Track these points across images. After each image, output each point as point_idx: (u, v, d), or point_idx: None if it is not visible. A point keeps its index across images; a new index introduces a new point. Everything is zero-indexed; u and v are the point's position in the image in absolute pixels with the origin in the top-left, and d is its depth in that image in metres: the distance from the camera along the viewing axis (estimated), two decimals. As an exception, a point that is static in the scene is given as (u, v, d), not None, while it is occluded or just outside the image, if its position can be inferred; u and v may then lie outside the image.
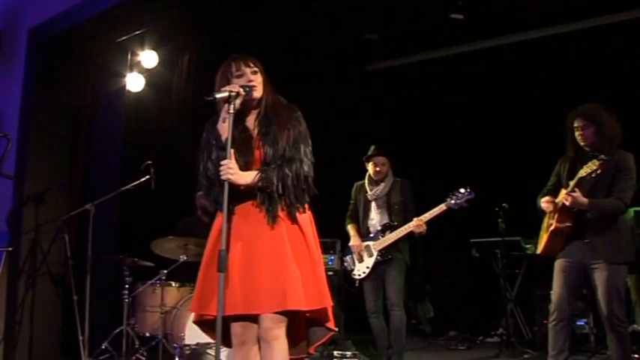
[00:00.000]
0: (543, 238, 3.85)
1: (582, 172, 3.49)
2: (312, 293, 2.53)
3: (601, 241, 3.56)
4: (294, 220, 2.61)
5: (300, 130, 2.67)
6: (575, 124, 3.69)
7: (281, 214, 2.60)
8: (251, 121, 2.73)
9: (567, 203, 3.55)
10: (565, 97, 6.26)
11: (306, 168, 2.62)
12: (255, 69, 2.69)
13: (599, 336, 5.48)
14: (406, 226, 4.56)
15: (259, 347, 2.64)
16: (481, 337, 6.50)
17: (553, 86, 6.61)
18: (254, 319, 2.59)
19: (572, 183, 3.57)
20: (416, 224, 4.51)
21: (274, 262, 2.53)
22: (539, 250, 3.90)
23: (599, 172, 3.42)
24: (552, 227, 3.70)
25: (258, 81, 2.68)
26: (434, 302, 7.53)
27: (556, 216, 3.68)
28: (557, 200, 3.72)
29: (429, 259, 7.51)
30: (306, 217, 2.67)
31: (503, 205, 5.76)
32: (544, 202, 3.78)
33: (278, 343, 2.54)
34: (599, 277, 3.56)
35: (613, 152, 3.59)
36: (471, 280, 7.21)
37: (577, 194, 3.52)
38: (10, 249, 5.01)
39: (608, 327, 3.53)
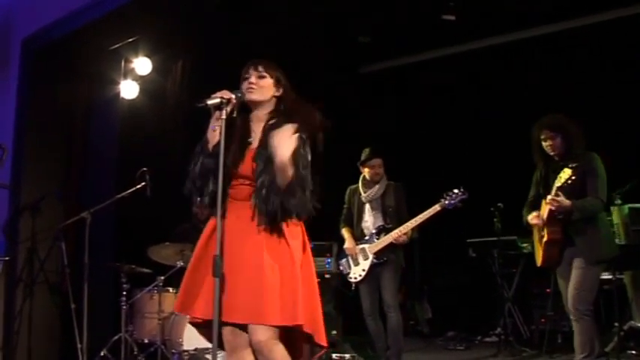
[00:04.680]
0: (539, 251, 3.96)
1: (558, 183, 3.64)
2: (287, 309, 2.48)
3: (581, 240, 3.71)
4: (280, 234, 2.56)
5: (306, 155, 2.62)
6: (543, 136, 3.88)
7: (267, 225, 2.55)
8: (258, 130, 2.72)
9: (553, 208, 3.68)
10: (560, 96, 6.32)
11: (302, 188, 2.56)
12: (263, 74, 2.68)
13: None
14: (398, 229, 4.59)
15: (252, 353, 2.63)
16: (479, 336, 6.51)
17: (547, 86, 6.63)
18: (243, 326, 2.58)
19: (552, 194, 3.69)
20: (396, 237, 4.56)
21: (251, 273, 2.51)
22: (539, 263, 4.00)
23: (573, 178, 3.59)
24: (545, 239, 3.82)
25: (260, 84, 2.68)
26: (432, 303, 7.54)
27: (546, 227, 3.81)
28: (541, 213, 3.86)
29: (426, 260, 7.52)
30: (294, 230, 2.61)
31: (499, 204, 5.78)
32: (533, 220, 3.92)
33: (274, 354, 2.52)
34: (574, 272, 3.73)
35: (579, 155, 3.77)
36: (469, 280, 7.23)
37: (560, 198, 3.65)
38: (7, 258, 5.01)
39: (573, 317, 3.72)
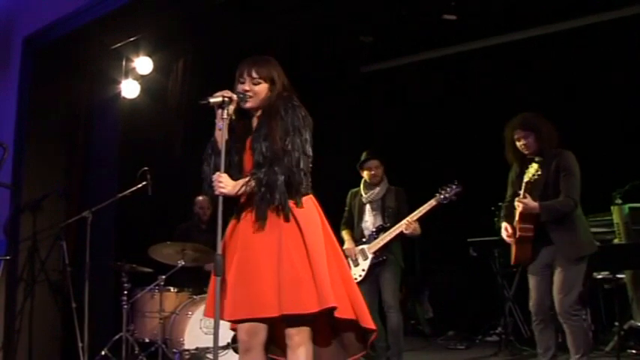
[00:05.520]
0: (513, 248, 3.96)
1: (526, 178, 3.67)
2: (309, 296, 2.45)
3: (559, 239, 3.71)
4: (289, 219, 2.55)
5: (292, 121, 2.59)
6: (516, 136, 3.90)
7: (276, 214, 2.55)
8: (255, 124, 2.74)
9: (520, 210, 3.71)
10: (562, 95, 6.32)
11: (295, 160, 2.54)
12: (258, 79, 2.66)
13: (596, 333, 5.50)
14: (397, 226, 4.58)
15: (265, 355, 2.66)
16: (480, 336, 6.51)
17: (548, 85, 6.63)
18: (261, 325, 2.60)
19: (521, 191, 3.71)
20: (406, 225, 4.53)
21: (268, 267, 2.52)
22: (512, 261, 4.00)
23: (539, 173, 3.61)
24: (517, 235, 3.82)
25: (255, 91, 2.67)
26: (433, 302, 7.54)
27: (518, 224, 3.80)
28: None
29: (427, 259, 7.52)
30: (306, 211, 2.59)
31: (500, 204, 5.77)
32: (505, 235, 3.92)
33: (302, 350, 2.53)
34: (556, 273, 3.73)
35: (553, 153, 3.80)
36: (469, 279, 7.22)
37: (527, 200, 3.68)
38: (8, 257, 5.01)
39: (562, 319, 3.72)
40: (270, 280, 2.50)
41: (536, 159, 3.68)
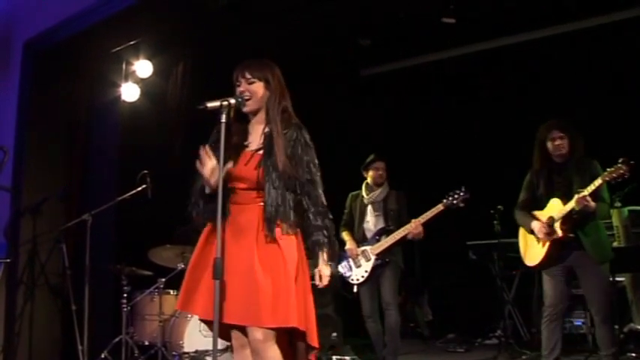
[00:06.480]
0: (536, 250, 3.96)
1: (606, 177, 3.65)
2: (280, 311, 2.50)
3: (588, 243, 3.78)
4: (274, 239, 2.59)
5: (311, 159, 2.68)
6: (553, 135, 3.95)
7: (265, 233, 2.59)
8: (255, 133, 2.73)
9: (578, 207, 3.69)
10: (560, 98, 6.33)
11: (321, 194, 2.69)
12: (253, 79, 2.68)
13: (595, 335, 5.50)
14: (404, 228, 4.59)
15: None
16: (479, 339, 6.52)
17: (546, 88, 6.64)
18: (243, 326, 2.62)
19: (590, 188, 3.68)
20: (414, 226, 4.54)
21: (244, 275, 2.53)
22: (534, 263, 3.99)
23: (626, 176, 3.64)
24: (559, 235, 3.83)
25: (252, 90, 2.68)
26: (432, 305, 7.55)
27: (560, 226, 3.82)
28: (549, 213, 3.87)
29: (426, 262, 7.52)
30: (288, 238, 2.63)
31: (499, 207, 5.78)
32: (540, 228, 3.89)
33: (269, 352, 2.55)
34: (590, 276, 3.81)
35: (582, 160, 3.91)
36: (469, 282, 7.22)
37: (589, 198, 3.68)
38: (8, 260, 5.02)
39: (602, 319, 3.79)
40: (239, 288, 2.53)
41: (630, 162, 3.64)
